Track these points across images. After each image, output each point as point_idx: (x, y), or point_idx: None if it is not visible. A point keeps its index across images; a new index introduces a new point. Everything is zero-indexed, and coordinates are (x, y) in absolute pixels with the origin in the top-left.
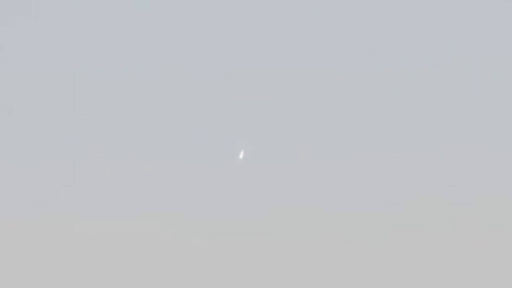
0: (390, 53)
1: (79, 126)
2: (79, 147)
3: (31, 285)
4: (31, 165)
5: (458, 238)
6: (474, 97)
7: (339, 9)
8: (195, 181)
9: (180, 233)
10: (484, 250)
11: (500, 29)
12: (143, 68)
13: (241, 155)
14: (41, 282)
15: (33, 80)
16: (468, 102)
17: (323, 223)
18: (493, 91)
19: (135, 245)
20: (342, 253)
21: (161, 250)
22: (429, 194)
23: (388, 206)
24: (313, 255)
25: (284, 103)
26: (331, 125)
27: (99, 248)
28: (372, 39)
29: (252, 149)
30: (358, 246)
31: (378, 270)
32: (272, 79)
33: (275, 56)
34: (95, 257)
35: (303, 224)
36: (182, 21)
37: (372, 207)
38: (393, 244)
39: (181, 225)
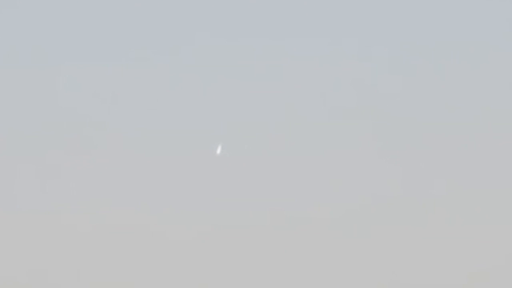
0: (373, 45)
1: (65, 119)
2: (66, 140)
3: (17, 278)
4: (17, 158)
5: (441, 230)
6: (456, 90)
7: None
8: (181, 173)
9: (168, 226)
10: (468, 243)
11: (484, 20)
12: (130, 60)
13: (218, 150)
14: (27, 275)
15: (19, 73)
16: (451, 95)
17: (307, 216)
18: (475, 83)
19: (122, 238)
20: (327, 247)
21: (148, 242)
22: (412, 187)
23: (371, 199)
24: (298, 248)
25: (266, 95)
26: (314, 117)
27: (85, 242)
28: (355, 31)
29: (231, 145)
30: (342, 239)
31: (363, 264)
32: (254, 71)
33: (257, 48)
34: (82, 250)
35: (288, 217)
36: (167, 13)
37: (355, 200)
38: (376, 236)
39: (169, 217)
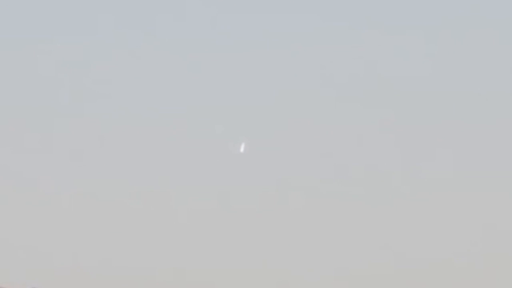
0: (374, 21)
1: (58, 97)
2: (60, 118)
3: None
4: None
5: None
6: (458, 68)
7: None
8: (174, 154)
9: (161, 205)
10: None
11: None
12: (125, 39)
13: (242, 148)
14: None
15: (14, 50)
16: (453, 72)
17: (308, 190)
18: (475, 60)
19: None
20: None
21: (143, 222)
22: (409, 162)
23: (370, 173)
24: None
25: (266, 70)
26: (314, 92)
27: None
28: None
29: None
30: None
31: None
32: (254, 46)
33: (261, 24)
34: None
35: (288, 190)
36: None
37: (357, 174)
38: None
39: (161, 197)
